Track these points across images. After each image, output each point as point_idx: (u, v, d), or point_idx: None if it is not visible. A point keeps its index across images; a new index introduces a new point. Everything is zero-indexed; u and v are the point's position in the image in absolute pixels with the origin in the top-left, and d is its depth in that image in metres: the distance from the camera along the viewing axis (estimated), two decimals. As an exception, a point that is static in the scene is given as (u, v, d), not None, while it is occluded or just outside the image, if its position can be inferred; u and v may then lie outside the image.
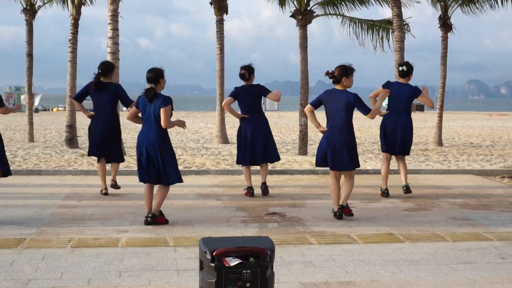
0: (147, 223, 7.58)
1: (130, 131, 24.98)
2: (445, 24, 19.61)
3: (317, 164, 8.34)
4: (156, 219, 7.63)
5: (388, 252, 6.39)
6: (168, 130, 7.74)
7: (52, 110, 62.12)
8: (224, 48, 19.27)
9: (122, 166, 11.44)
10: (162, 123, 7.50)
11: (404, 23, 17.00)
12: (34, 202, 9.09)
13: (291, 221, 7.93)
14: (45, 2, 20.15)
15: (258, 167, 10.24)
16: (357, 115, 8.07)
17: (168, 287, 5.24)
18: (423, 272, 5.70)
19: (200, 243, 4.16)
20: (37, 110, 49.18)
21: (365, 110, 7.96)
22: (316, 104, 8.23)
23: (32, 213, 8.23)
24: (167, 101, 7.53)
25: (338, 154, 7.99)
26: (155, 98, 7.56)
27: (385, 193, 9.83)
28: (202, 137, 22.74)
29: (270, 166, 12.25)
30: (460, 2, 19.66)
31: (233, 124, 26.66)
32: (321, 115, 8.32)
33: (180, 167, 7.86)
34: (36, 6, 19.88)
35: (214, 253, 3.97)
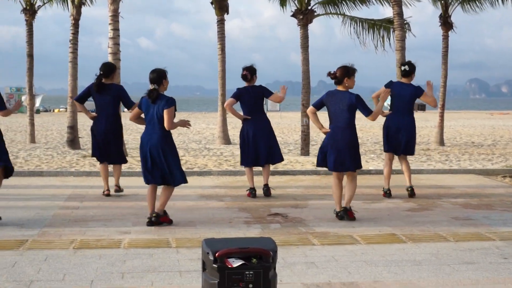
0: (150, 223, 7.58)
1: (132, 132, 24.99)
2: (446, 23, 19.59)
3: (318, 164, 8.34)
4: (160, 218, 7.64)
5: (391, 253, 6.38)
6: (171, 131, 7.74)
7: (53, 111, 62.17)
8: (226, 48, 19.27)
9: (124, 167, 11.44)
10: (166, 124, 7.50)
11: (405, 22, 16.99)
12: (35, 203, 9.09)
13: (294, 222, 7.93)
14: (45, 2, 20.14)
15: (260, 168, 10.24)
16: (359, 116, 8.06)
17: (171, 289, 5.24)
18: (426, 272, 5.70)
19: (202, 244, 4.16)
20: (38, 111, 49.23)
21: (367, 112, 7.94)
22: (318, 106, 8.21)
23: (34, 215, 8.23)
24: (171, 103, 7.52)
25: (341, 155, 7.98)
26: (158, 99, 7.55)
27: (388, 193, 9.82)
28: (204, 138, 22.73)
29: (272, 166, 12.26)
30: (460, 0, 19.65)
31: (235, 125, 26.66)
32: (323, 116, 8.32)
33: (182, 168, 7.86)
34: (36, 6, 19.86)
35: (216, 254, 3.97)
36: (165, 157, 7.58)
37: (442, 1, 19.67)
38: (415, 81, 9.89)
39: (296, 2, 17.43)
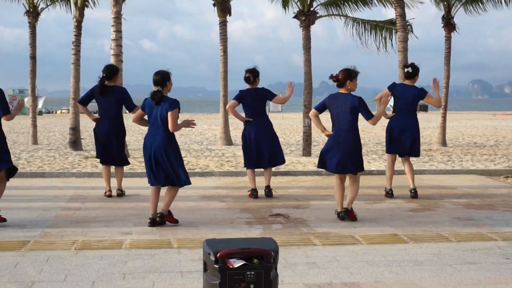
0: (152, 224, 7.58)
1: (134, 133, 25.00)
2: (449, 24, 19.58)
3: (320, 166, 8.31)
4: (165, 218, 7.65)
5: (392, 253, 6.38)
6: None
7: (55, 112, 62.25)
8: (228, 50, 19.28)
9: (125, 168, 11.44)
10: (170, 127, 7.50)
11: (408, 23, 16.99)
12: (38, 204, 9.10)
13: (295, 223, 7.92)
14: (48, 4, 20.19)
15: (261, 169, 10.23)
16: (360, 117, 8.05)
17: (172, 289, 5.24)
18: (427, 272, 5.69)
19: (204, 244, 4.16)
20: (40, 113, 49.29)
21: (368, 116, 7.92)
22: (320, 109, 8.19)
23: (36, 216, 8.24)
24: (175, 105, 7.52)
25: (343, 157, 7.96)
26: (162, 101, 7.55)
27: (390, 194, 9.82)
28: (206, 139, 22.74)
29: (273, 167, 12.26)
30: (463, 1, 19.64)
31: (236, 126, 26.66)
32: (324, 117, 8.32)
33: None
34: (39, 8, 19.91)
35: (218, 255, 3.97)
36: (169, 158, 7.58)
37: (445, 3, 19.67)
38: (418, 82, 9.88)
39: (298, 3, 17.43)
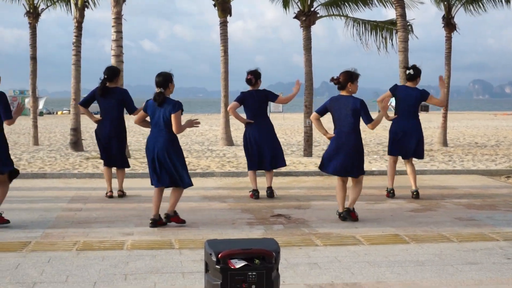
0: (153, 225, 7.58)
1: (135, 134, 25.00)
2: (449, 24, 19.58)
3: (322, 169, 8.30)
4: (171, 219, 7.66)
5: (394, 253, 6.37)
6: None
7: (56, 113, 62.26)
8: (228, 50, 19.29)
9: (127, 169, 11.43)
10: (174, 129, 7.50)
11: (408, 23, 16.99)
12: (39, 205, 9.10)
13: (297, 223, 7.92)
14: (48, 5, 20.20)
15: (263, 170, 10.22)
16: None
17: (174, 290, 5.24)
18: (429, 273, 5.69)
19: (205, 245, 4.16)
20: (41, 114, 49.31)
21: (367, 120, 7.90)
22: (322, 112, 8.17)
23: (37, 216, 8.24)
24: (178, 107, 7.51)
25: (345, 160, 7.94)
26: (164, 102, 7.54)
27: (391, 193, 9.81)
28: (207, 139, 22.74)
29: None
30: (463, 1, 19.64)
31: (237, 127, 26.67)
32: (326, 118, 8.31)
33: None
34: (40, 9, 19.92)
35: (219, 255, 3.97)
36: (172, 159, 7.57)
37: (445, 2, 19.66)
38: (419, 83, 9.86)
39: (298, 3, 17.43)
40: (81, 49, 17.98)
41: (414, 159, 9.96)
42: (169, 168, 7.58)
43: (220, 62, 19.35)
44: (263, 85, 9.99)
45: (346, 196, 8.18)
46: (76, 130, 17.52)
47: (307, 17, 17.00)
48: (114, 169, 10.09)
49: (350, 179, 8.21)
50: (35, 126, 19.81)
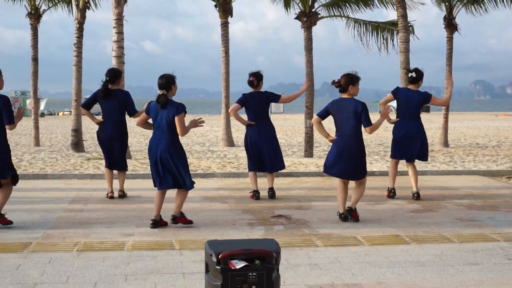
0: (154, 225, 7.58)
1: (136, 135, 25.02)
2: (450, 24, 19.58)
3: (326, 171, 8.29)
4: (178, 220, 7.67)
5: (394, 254, 6.37)
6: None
7: (57, 114, 62.31)
8: (229, 51, 19.30)
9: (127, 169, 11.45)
10: (179, 131, 7.49)
11: (409, 24, 16.98)
12: (40, 206, 9.11)
13: (297, 224, 7.92)
14: (49, 6, 20.22)
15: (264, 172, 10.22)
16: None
17: (174, 290, 5.24)
18: (429, 273, 5.69)
19: (206, 246, 4.16)
20: (42, 115, 49.36)
21: (367, 123, 7.89)
22: (323, 115, 8.16)
23: (38, 217, 8.25)
24: (181, 109, 7.50)
25: (348, 163, 7.94)
26: (167, 104, 7.54)
27: (392, 193, 9.81)
28: (207, 140, 22.75)
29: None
30: (465, 1, 19.64)
31: (238, 127, 26.67)
32: (327, 120, 8.30)
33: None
34: (41, 10, 19.95)
35: (220, 256, 3.97)
36: (175, 161, 7.57)
37: (447, 3, 19.66)
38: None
39: (300, 4, 17.44)
40: (83, 50, 17.99)
41: (416, 160, 9.95)
42: (172, 170, 7.58)
43: (221, 63, 19.36)
44: (264, 86, 9.99)
45: (347, 197, 8.18)
46: (77, 131, 17.54)
47: (308, 18, 17.02)
48: (115, 170, 10.09)
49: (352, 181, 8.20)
50: (36, 127, 19.84)
